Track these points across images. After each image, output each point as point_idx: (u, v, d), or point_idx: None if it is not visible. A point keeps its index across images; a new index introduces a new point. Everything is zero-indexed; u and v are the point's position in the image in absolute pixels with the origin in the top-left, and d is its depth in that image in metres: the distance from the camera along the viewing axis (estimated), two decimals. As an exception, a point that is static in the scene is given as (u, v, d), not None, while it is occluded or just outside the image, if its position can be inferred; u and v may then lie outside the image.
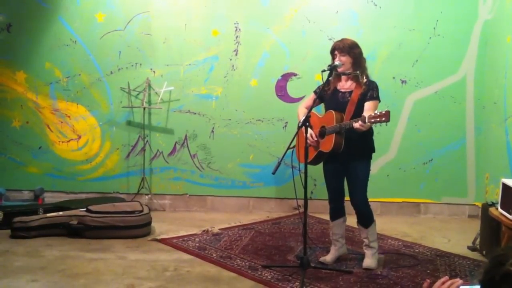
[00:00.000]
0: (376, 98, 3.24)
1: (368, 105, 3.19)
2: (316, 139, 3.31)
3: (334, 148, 3.19)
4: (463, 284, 1.38)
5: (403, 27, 4.57)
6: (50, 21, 4.72)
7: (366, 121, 3.00)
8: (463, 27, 4.54)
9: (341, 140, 3.18)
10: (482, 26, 4.50)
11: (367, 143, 3.31)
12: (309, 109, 3.25)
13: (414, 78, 4.61)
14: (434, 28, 4.55)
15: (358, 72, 3.24)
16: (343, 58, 3.24)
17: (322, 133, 3.29)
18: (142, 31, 4.70)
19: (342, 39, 3.31)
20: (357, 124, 3.04)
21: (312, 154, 3.35)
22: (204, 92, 4.76)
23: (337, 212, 3.44)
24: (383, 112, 2.96)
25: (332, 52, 3.30)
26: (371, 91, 3.23)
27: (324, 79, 3.23)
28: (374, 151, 3.37)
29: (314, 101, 3.36)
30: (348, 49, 3.24)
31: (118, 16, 4.69)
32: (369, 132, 3.25)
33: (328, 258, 3.43)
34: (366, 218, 3.34)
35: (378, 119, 2.97)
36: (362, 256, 3.48)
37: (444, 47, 4.55)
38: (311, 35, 4.63)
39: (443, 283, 1.41)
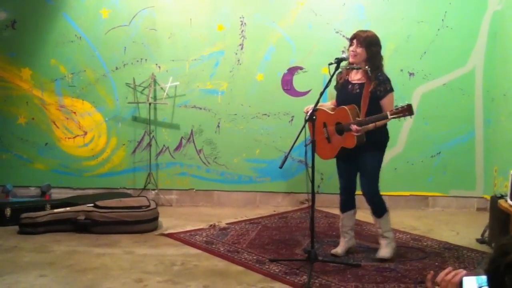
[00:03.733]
0: (390, 90, 3.20)
1: (385, 101, 3.16)
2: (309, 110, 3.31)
3: (358, 143, 3.15)
4: (466, 275, 1.37)
5: (411, 19, 4.52)
6: (55, 17, 4.71)
7: (389, 116, 2.97)
8: (472, 18, 4.48)
9: (363, 134, 3.15)
10: (491, 17, 4.45)
11: (378, 135, 3.24)
12: (316, 102, 3.20)
13: (422, 70, 4.56)
14: (442, 20, 4.50)
15: (367, 67, 3.19)
16: (359, 50, 3.20)
17: (339, 130, 3.24)
18: (147, 26, 4.68)
19: (367, 31, 3.27)
20: (380, 122, 3.04)
21: (334, 151, 3.31)
22: (209, 87, 4.74)
23: (347, 204, 3.43)
24: (404, 106, 2.93)
25: (351, 39, 3.26)
26: (382, 85, 3.17)
27: (331, 72, 3.19)
28: (387, 140, 3.32)
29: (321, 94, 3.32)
30: (367, 43, 3.19)
31: (123, 11, 4.68)
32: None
33: (339, 250, 3.43)
34: (376, 208, 3.32)
35: (401, 115, 2.94)
36: (369, 249, 3.46)
37: (452, 39, 4.50)
38: (318, 29, 4.59)
39: (447, 273, 1.41)
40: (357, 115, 3.15)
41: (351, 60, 3.24)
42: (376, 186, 3.30)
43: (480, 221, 3.99)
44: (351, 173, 3.37)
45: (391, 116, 2.98)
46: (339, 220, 3.53)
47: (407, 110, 2.92)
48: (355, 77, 3.29)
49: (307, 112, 3.36)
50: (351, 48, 3.24)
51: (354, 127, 3.08)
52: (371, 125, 3.12)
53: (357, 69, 3.24)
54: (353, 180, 3.40)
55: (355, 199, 3.45)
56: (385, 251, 3.32)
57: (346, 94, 3.27)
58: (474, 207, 4.65)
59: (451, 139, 4.62)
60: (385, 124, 3.27)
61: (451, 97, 4.58)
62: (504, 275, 1.15)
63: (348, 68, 3.29)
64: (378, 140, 3.27)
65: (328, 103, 3.49)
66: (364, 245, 3.64)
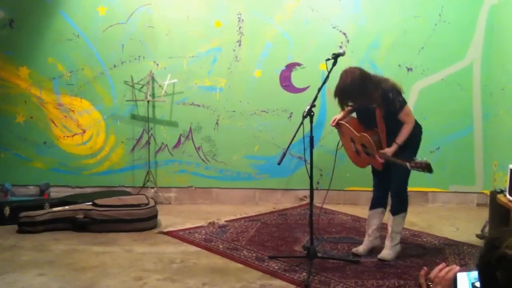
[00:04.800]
0: (403, 104, 3.17)
1: (401, 116, 3.15)
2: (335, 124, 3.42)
3: (385, 165, 3.21)
4: (460, 271, 1.37)
5: (408, 14, 4.50)
6: (52, 15, 4.70)
7: (409, 167, 3.01)
8: (469, 12, 4.46)
9: (379, 165, 3.23)
10: (488, 11, 4.43)
11: (409, 137, 3.21)
12: (314, 98, 3.17)
13: (420, 65, 4.55)
14: (439, 15, 4.48)
15: (363, 102, 3.18)
16: (355, 105, 3.25)
17: (367, 152, 3.27)
18: (144, 23, 4.66)
19: (339, 85, 3.10)
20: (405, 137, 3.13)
21: (364, 163, 3.37)
22: (207, 84, 4.72)
23: (377, 201, 3.39)
24: (423, 164, 2.96)
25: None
26: (392, 103, 3.13)
27: (329, 68, 3.18)
28: (419, 136, 3.31)
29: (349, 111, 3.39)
30: (349, 97, 3.15)
31: (120, 9, 4.66)
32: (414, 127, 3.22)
33: (361, 249, 3.39)
34: (395, 206, 3.31)
35: (420, 170, 2.99)
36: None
37: (450, 33, 4.48)
38: (315, 24, 4.58)
39: (441, 270, 1.41)
40: (379, 140, 3.18)
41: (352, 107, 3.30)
42: (404, 184, 3.30)
43: (480, 217, 3.99)
44: (385, 170, 3.31)
45: (411, 167, 3.01)
46: (366, 218, 3.49)
47: (426, 168, 2.96)
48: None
49: (335, 121, 3.41)
50: (351, 109, 3.30)
51: (378, 158, 3.15)
52: (395, 147, 3.14)
53: (354, 111, 3.33)
54: (384, 179, 3.35)
55: (387, 197, 3.40)
56: (387, 252, 3.29)
57: (365, 113, 3.26)
58: (474, 203, 4.64)
59: (450, 134, 4.60)
60: (416, 125, 3.25)
61: (449, 92, 4.57)
62: (495, 269, 1.14)
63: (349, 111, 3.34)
64: (409, 143, 3.24)
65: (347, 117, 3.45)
66: (363, 241, 3.62)
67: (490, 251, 1.17)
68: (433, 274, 1.41)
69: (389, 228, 3.31)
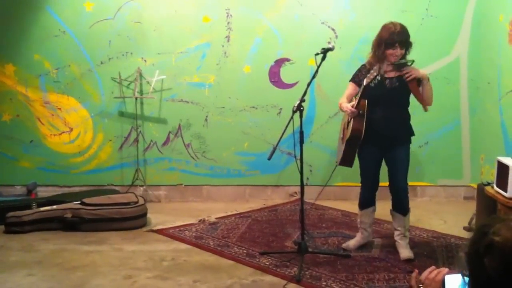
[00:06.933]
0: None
1: (427, 86, 3.23)
2: (354, 109, 3.13)
3: (353, 133, 3.13)
4: (448, 273, 1.39)
5: (395, 9, 4.51)
6: (38, 11, 4.62)
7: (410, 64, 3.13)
8: (455, 7, 4.50)
9: (359, 126, 3.11)
10: (475, 5, 4.47)
11: (408, 126, 3.26)
12: (303, 93, 3.18)
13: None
14: (426, 9, 4.51)
15: (413, 60, 3.18)
16: (401, 51, 3.16)
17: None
18: (132, 19, 4.61)
19: (401, 29, 3.12)
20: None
21: (345, 139, 3.27)
22: (196, 80, 4.69)
23: (368, 201, 3.36)
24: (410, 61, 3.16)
25: (393, 43, 3.10)
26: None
27: (318, 63, 3.18)
28: (413, 135, 3.34)
29: (357, 90, 3.26)
30: (407, 42, 3.17)
31: (107, 4, 4.60)
32: (409, 115, 3.28)
33: (351, 244, 3.40)
34: (405, 205, 3.28)
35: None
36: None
37: (437, 28, 4.51)
38: (304, 20, 4.57)
39: (430, 272, 1.44)
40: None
41: (392, 60, 3.17)
42: (407, 182, 3.28)
43: (468, 210, 4.03)
44: (375, 168, 3.30)
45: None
46: (357, 217, 3.49)
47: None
48: (388, 69, 3.22)
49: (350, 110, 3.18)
50: (393, 52, 3.12)
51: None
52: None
53: (410, 64, 3.20)
54: (377, 176, 3.33)
55: (376, 195, 3.39)
56: (408, 251, 3.24)
57: (383, 89, 3.17)
58: (462, 196, 4.69)
59: (438, 129, 4.64)
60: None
61: (437, 87, 4.52)
62: (483, 256, 1.16)
63: (397, 63, 3.19)
64: (409, 132, 3.29)
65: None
66: (353, 235, 3.64)
67: (479, 238, 1.19)
68: (423, 276, 1.44)
69: (400, 229, 3.28)
